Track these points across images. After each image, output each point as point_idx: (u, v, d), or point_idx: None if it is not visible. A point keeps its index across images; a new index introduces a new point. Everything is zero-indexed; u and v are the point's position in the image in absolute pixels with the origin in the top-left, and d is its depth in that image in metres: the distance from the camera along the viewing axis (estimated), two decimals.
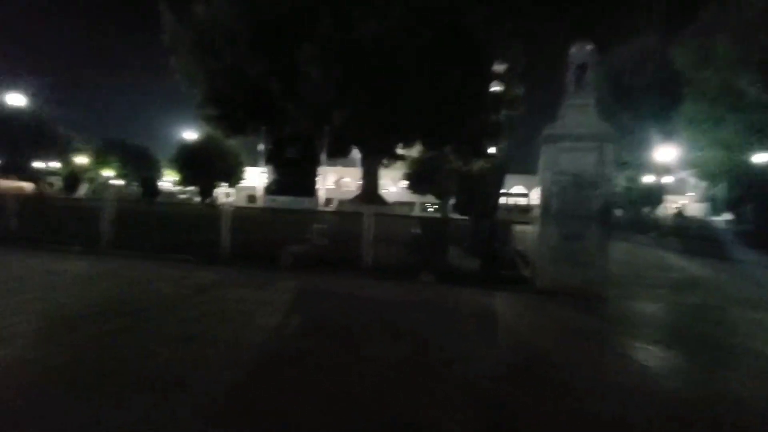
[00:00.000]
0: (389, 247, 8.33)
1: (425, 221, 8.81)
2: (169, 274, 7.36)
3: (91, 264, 7.97)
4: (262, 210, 9.23)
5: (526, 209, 42.36)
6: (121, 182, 52.00)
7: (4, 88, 11.58)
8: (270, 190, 9.27)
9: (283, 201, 9.09)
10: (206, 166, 44.90)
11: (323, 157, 8.89)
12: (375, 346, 4.22)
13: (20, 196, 10.61)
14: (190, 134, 46.91)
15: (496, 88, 10.44)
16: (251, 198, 66.68)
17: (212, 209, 9.53)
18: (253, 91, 9.53)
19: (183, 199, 58.78)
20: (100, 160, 44.22)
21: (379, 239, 8.30)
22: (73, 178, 35.47)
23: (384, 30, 8.06)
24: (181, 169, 47.01)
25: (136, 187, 49.61)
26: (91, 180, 46.25)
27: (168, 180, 53.08)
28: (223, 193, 54.22)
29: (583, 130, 6.91)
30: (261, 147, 13.95)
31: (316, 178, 9.02)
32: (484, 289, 7.20)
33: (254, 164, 65.64)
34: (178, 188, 56.00)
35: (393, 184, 77.10)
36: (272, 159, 9.28)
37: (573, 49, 7.16)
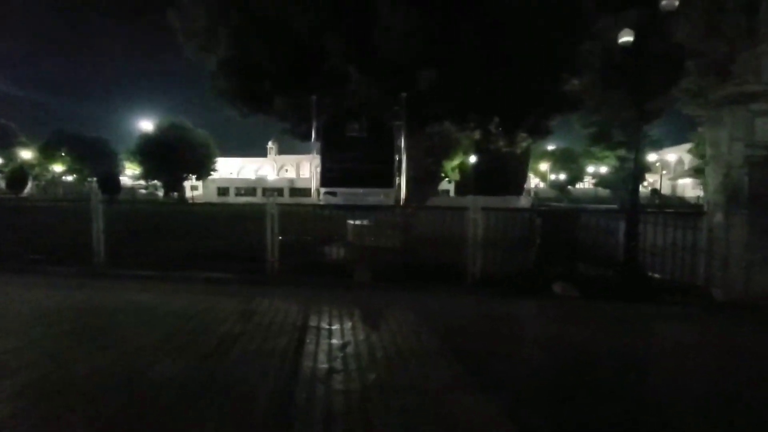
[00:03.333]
0: (500, 252, 6.36)
1: (549, 215, 6.86)
2: (215, 303, 5.01)
3: (88, 293, 5.43)
4: (318, 208, 6.92)
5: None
6: (71, 178, 46.40)
7: None
8: (326, 180, 6.95)
9: (346, 194, 6.82)
10: (172, 157, 40.82)
11: (400, 133, 6.66)
12: None
13: None
14: (147, 123, 42.47)
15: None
16: (222, 191, 62.53)
17: (252, 208, 7.09)
18: (299, 52, 7.12)
19: (143, 195, 53.84)
20: (49, 155, 38.85)
21: (488, 242, 6.29)
22: (18, 174, 30.61)
23: None
24: (142, 161, 42.58)
25: (92, 183, 44.46)
26: (39, 177, 40.70)
27: (128, 174, 48.13)
28: (189, 186, 49.97)
29: None
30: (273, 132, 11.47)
31: (394, 163, 6.79)
32: (641, 303, 5.47)
33: (227, 154, 61.21)
34: (139, 183, 51.06)
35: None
36: (327, 140, 6.94)
37: None
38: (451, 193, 45.42)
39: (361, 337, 4.11)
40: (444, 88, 6.56)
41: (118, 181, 41.64)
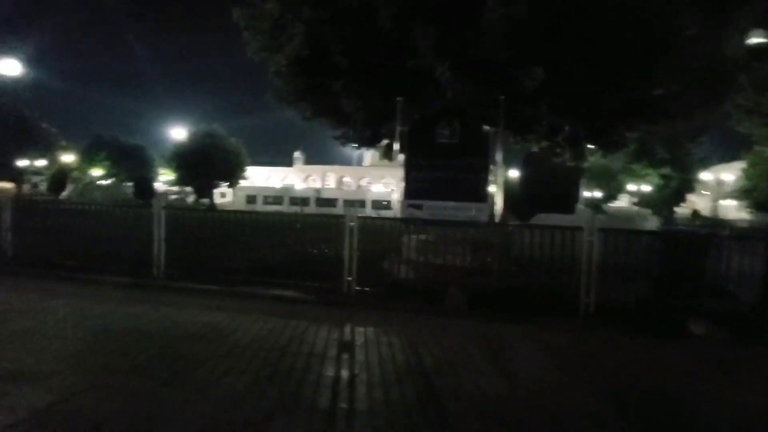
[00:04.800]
0: (617, 280, 5.41)
1: (674, 239, 5.87)
2: (300, 331, 4.25)
3: (153, 310, 4.77)
4: (400, 223, 6.14)
5: None
6: (109, 182, 47.58)
7: None
8: (412, 192, 6.16)
9: (433, 209, 6.01)
10: (205, 165, 41.32)
11: (496, 140, 5.82)
12: None
13: (16, 203, 7.21)
14: (180, 131, 43.25)
15: None
16: (251, 199, 63.19)
17: (328, 219, 6.38)
18: (380, 49, 6.45)
19: (174, 200, 54.74)
20: (89, 159, 39.89)
21: (605, 268, 5.35)
22: (59, 177, 31.37)
23: None
24: (177, 168, 43.29)
25: (128, 188, 45.42)
26: (78, 180, 41.78)
27: (163, 180, 49.02)
28: (218, 193, 50.54)
29: None
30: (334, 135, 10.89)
31: (488, 174, 5.95)
32: None
33: (257, 163, 61.96)
34: (175, 188, 52.00)
35: (395, 182, 74.66)
36: (413, 147, 6.18)
37: None
38: None
39: (506, 386, 3.25)
40: (547, 90, 5.73)
41: (152, 187, 42.43)
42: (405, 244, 5.91)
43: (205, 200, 47.10)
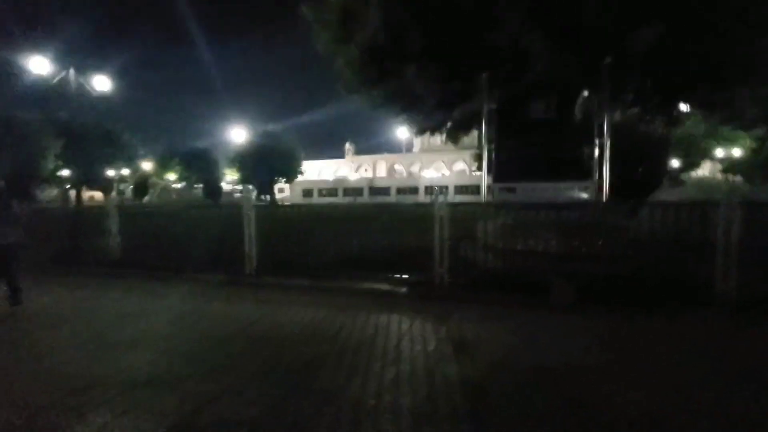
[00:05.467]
0: (763, 264, 4.57)
1: None
2: (406, 328, 4.05)
3: (250, 308, 4.84)
4: (493, 208, 5.69)
5: None
6: (180, 185, 51.61)
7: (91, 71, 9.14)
8: (502, 174, 5.69)
9: (528, 190, 5.50)
10: (265, 164, 43.22)
11: (600, 111, 5.12)
12: None
13: (123, 209, 7.76)
14: (240, 132, 45.40)
15: None
16: (307, 192, 65.23)
17: (416, 208, 6.13)
18: (460, 25, 5.98)
19: (237, 198, 58.07)
20: (163, 165, 43.43)
21: (748, 250, 4.54)
22: (142, 184, 34.48)
23: None
24: (240, 168, 45.75)
25: (197, 189, 48.88)
26: (155, 185, 45.79)
27: (228, 180, 52.09)
28: (277, 189, 52.64)
29: None
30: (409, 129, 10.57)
31: (592, 149, 5.29)
32: None
33: (312, 158, 63.58)
34: (233, 188, 55.18)
35: (446, 167, 72.89)
36: (502, 125, 5.68)
37: None
38: None
39: (663, 396, 2.78)
40: (658, 51, 4.91)
41: (220, 187, 45.27)
42: (498, 230, 5.48)
43: (266, 196, 49.47)
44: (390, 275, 5.87)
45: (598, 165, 5.26)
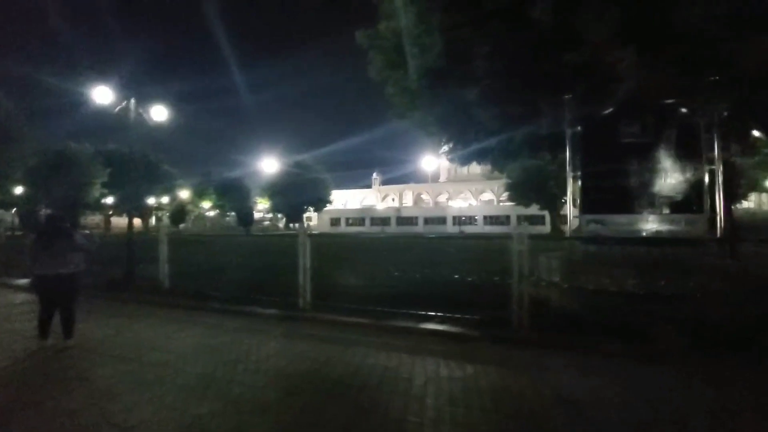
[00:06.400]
0: None
1: None
2: (507, 381, 3.49)
3: (313, 348, 4.39)
4: (579, 243, 5.12)
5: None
6: (213, 213, 53.09)
7: (147, 102, 9.46)
8: (591, 205, 5.15)
9: (620, 224, 4.91)
10: (295, 193, 44.04)
11: (710, 133, 4.57)
12: None
13: (172, 236, 7.64)
14: (271, 162, 46.60)
15: None
16: (335, 221, 65.60)
17: (491, 241, 5.65)
18: (532, 46, 5.69)
19: (266, 226, 59.11)
20: (199, 194, 44.95)
21: None
22: (180, 211, 35.62)
23: None
24: (271, 197, 46.79)
25: (230, 217, 50.08)
26: (190, 212, 47.27)
27: (259, 208, 53.24)
28: (305, 217, 53.23)
29: None
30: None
31: (702, 176, 4.70)
32: None
33: (337, 187, 64.55)
34: (263, 216, 56.25)
35: (473, 197, 71.97)
36: (588, 150, 5.20)
37: None
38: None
39: None
40: None
41: (252, 215, 46.19)
42: (586, 268, 4.89)
43: (295, 224, 50.05)
44: (456, 315, 5.33)
45: (708, 195, 4.63)
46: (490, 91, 6.56)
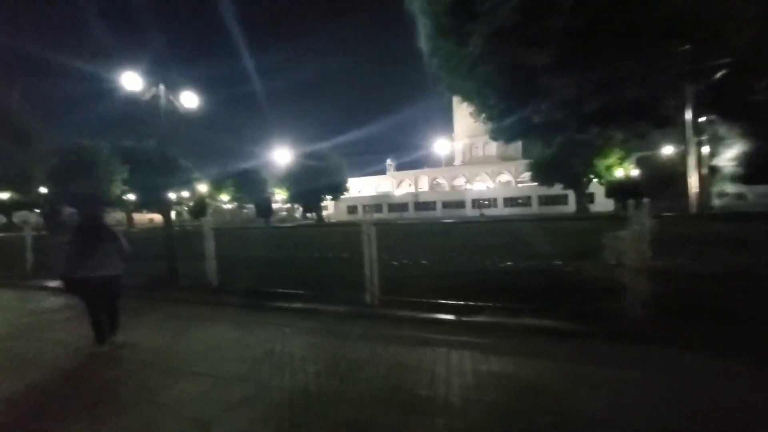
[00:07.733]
0: None
1: None
2: (632, 396, 2.84)
3: (415, 356, 3.81)
4: (714, 221, 4.37)
5: None
6: (231, 206, 53.12)
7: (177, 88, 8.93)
8: (739, 172, 4.36)
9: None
10: (312, 182, 43.58)
11: None
12: None
13: (218, 230, 7.09)
14: (284, 153, 46.09)
15: None
16: (351, 209, 65.13)
17: (596, 224, 4.89)
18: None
19: (283, 216, 59.04)
20: (217, 186, 44.87)
21: None
22: (200, 204, 35.54)
23: None
24: (289, 187, 46.46)
25: (248, 209, 50.01)
26: (209, 205, 47.38)
27: (276, 198, 53.02)
28: (322, 206, 52.83)
29: None
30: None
31: None
32: None
33: (353, 175, 63.87)
34: (286, 206, 55.99)
35: (490, 179, 70.39)
36: (727, 110, 4.39)
37: None
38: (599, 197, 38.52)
39: None
40: None
41: (271, 206, 46.00)
42: (712, 249, 4.16)
43: (312, 214, 49.77)
44: (552, 307, 4.66)
45: None
46: (570, 53, 5.74)
